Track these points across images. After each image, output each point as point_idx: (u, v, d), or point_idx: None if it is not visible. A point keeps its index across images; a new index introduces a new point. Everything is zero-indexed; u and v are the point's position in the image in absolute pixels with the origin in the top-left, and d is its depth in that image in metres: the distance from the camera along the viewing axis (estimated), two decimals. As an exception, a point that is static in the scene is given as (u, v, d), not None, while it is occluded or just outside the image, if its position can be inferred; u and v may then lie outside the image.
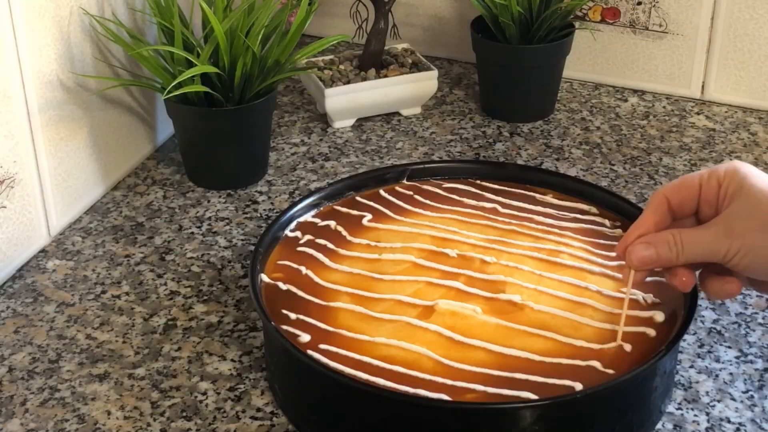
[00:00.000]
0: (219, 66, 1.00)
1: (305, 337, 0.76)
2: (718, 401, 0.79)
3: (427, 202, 0.92)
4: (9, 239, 0.93)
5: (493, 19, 1.17)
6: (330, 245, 0.86)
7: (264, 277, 0.82)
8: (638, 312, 0.78)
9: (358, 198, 0.93)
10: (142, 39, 1.05)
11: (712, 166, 1.10)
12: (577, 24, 1.21)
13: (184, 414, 0.78)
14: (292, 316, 0.78)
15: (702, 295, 0.90)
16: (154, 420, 0.78)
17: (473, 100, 1.25)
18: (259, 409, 0.78)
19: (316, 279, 0.83)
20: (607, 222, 0.89)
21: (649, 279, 0.81)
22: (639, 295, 0.79)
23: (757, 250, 0.66)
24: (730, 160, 1.12)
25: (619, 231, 0.88)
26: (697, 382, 0.81)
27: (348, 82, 1.17)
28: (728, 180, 0.68)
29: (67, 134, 0.99)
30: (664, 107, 1.23)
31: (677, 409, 0.78)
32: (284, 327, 0.77)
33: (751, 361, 0.83)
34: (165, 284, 0.93)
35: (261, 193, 1.06)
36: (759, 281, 0.69)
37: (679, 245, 0.69)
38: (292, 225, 0.89)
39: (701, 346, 0.85)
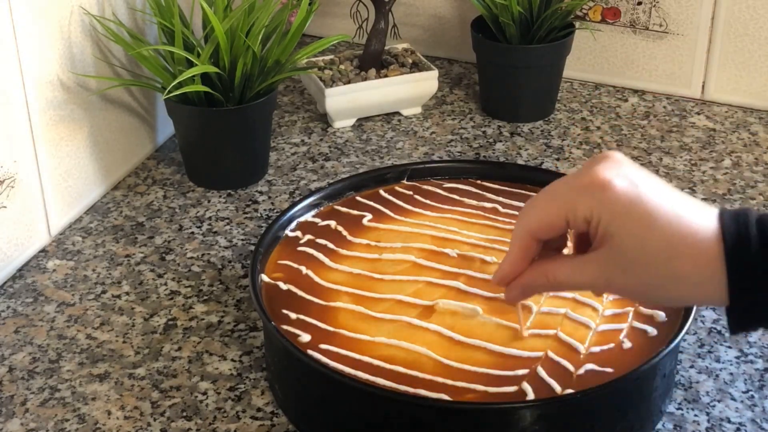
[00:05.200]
0: (219, 66, 1.00)
1: (305, 337, 0.76)
2: (719, 401, 0.79)
3: (428, 202, 0.92)
4: (9, 239, 0.93)
5: (494, 19, 1.17)
6: (330, 245, 0.86)
7: (264, 277, 0.82)
8: (641, 309, 0.78)
9: (358, 198, 0.93)
10: (143, 39, 1.05)
11: (711, 165, 1.09)
12: (577, 24, 1.21)
13: (185, 414, 0.78)
14: (293, 316, 0.78)
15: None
16: (155, 420, 0.78)
17: (473, 100, 1.25)
18: (259, 409, 0.78)
19: (317, 279, 0.83)
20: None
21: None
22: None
23: (640, 300, 0.72)
24: (730, 158, 1.12)
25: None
26: (698, 382, 0.81)
27: (348, 82, 1.17)
28: (596, 220, 0.61)
29: (67, 134, 0.99)
30: (664, 107, 1.23)
31: (677, 409, 0.78)
32: (284, 327, 0.77)
33: (752, 361, 0.83)
34: (165, 284, 0.93)
35: (261, 193, 1.06)
36: None
37: (554, 283, 0.65)
38: (293, 225, 0.89)
39: (701, 345, 0.85)
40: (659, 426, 0.77)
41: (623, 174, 0.61)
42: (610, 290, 0.64)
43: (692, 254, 0.58)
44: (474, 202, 0.92)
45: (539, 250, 0.66)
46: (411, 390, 0.71)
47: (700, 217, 0.59)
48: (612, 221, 0.60)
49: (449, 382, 0.72)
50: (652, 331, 0.76)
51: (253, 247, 0.95)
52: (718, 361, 0.83)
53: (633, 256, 0.60)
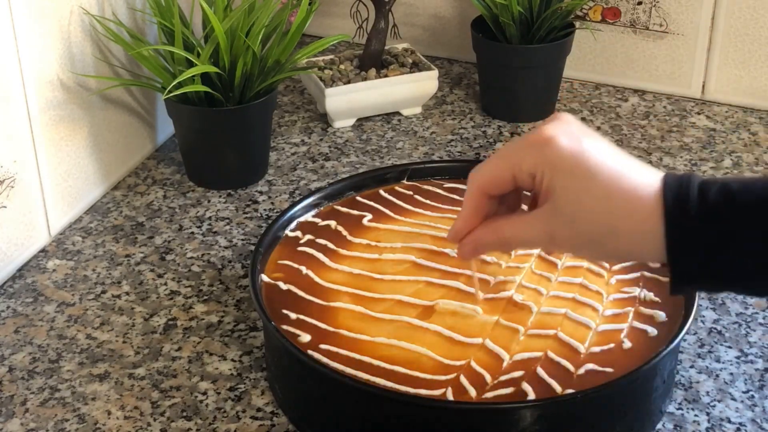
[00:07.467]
0: (219, 66, 1.00)
1: (305, 337, 0.76)
2: (719, 401, 0.79)
3: (428, 202, 0.92)
4: (9, 239, 0.93)
5: (494, 18, 1.17)
6: (330, 245, 0.86)
7: (264, 277, 0.82)
8: (641, 309, 0.78)
9: (358, 198, 0.93)
10: (143, 39, 1.05)
11: (711, 165, 1.09)
12: (577, 24, 1.21)
13: (185, 414, 0.78)
14: (293, 316, 0.78)
15: (702, 295, 0.90)
16: (155, 420, 0.78)
17: (473, 99, 1.25)
18: (259, 409, 0.78)
19: (317, 279, 0.83)
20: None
21: (648, 275, 0.82)
22: (637, 291, 0.80)
23: (583, 255, 0.70)
24: (731, 158, 1.12)
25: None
26: (698, 382, 0.81)
27: (348, 82, 1.17)
28: (540, 175, 0.63)
29: (67, 134, 0.99)
30: (664, 107, 1.23)
31: (677, 409, 0.78)
32: (284, 327, 0.77)
33: (752, 361, 0.83)
34: (165, 284, 0.93)
35: (261, 192, 1.06)
36: None
37: (502, 239, 0.68)
38: (293, 225, 0.89)
39: (702, 346, 0.85)
40: (659, 426, 0.77)
41: (569, 132, 0.63)
42: (554, 245, 0.65)
43: (631, 209, 0.60)
44: (474, 202, 0.92)
45: (493, 209, 0.69)
46: (411, 390, 0.71)
47: (643, 176, 0.61)
48: (554, 176, 0.62)
49: (449, 382, 0.72)
50: (652, 331, 0.76)
51: (253, 247, 0.95)
52: (718, 361, 0.83)
53: (573, 209, 0.62)
